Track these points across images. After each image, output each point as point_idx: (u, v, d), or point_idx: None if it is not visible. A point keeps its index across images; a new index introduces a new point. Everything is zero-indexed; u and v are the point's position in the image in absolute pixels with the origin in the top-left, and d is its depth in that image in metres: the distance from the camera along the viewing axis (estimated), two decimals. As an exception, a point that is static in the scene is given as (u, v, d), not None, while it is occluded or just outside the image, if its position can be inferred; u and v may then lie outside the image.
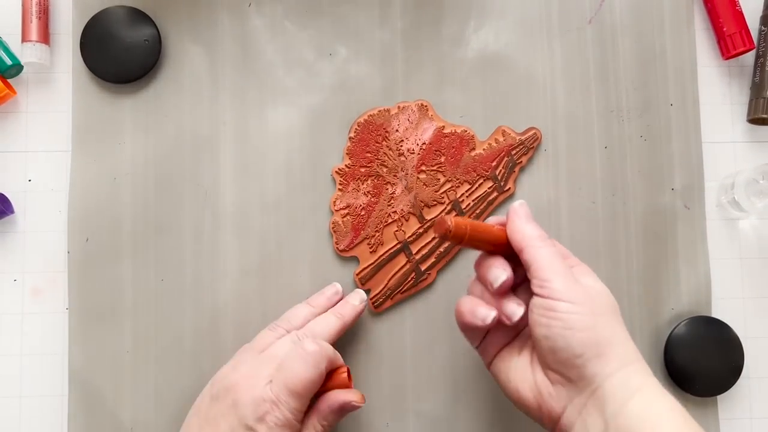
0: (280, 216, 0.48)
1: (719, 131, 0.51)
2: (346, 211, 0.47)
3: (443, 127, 0.48)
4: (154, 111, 0.49)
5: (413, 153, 0.47)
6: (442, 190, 0.47)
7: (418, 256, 0.47)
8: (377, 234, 0.47)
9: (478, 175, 0.48)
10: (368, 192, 0.47)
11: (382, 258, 0.47)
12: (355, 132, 0.48)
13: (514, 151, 0.48)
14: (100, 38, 0.48)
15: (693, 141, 0.50)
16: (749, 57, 0.51)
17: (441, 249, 0.47)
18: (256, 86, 0.49)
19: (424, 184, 0.47)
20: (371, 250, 0.47)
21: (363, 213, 0.47)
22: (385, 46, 0.50)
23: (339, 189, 0.47)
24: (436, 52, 0.50)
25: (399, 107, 0.48)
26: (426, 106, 0.48)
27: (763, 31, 0.50)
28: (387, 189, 0.47)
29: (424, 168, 0.47)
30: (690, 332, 0.47)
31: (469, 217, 0.47)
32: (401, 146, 0.47)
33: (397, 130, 0.48)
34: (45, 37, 0.48)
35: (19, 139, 0.49)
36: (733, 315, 0.49)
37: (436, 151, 0.47)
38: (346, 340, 0.48)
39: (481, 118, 0.49)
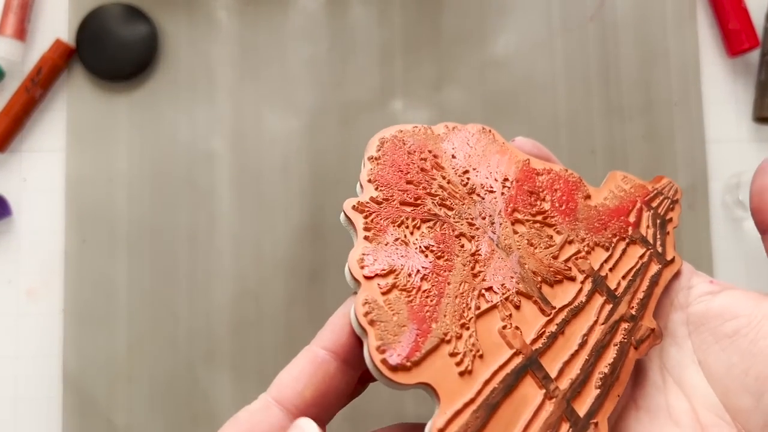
0: (277, 217, 0.48)
1: (724, 130, 0.50)
2: (391, 280, 0.23)
3: (528, 161, 0.29)
4: (150, 109, 0.48)
5: (492, 192, 0.27)
6: (564, 256, 0.27)
7: (562, 383, 0.24)
8: (465, 331, 0.23)
9: (613, 235, 0.29)
10: (428, 248, 0.24)
11: (488, 385, 0.22)
12: (379, 151, 0.26)
13: (655, 203, 0.31)
14: (96, 35, 0.48)
15: (696, 140, 0.49)
16: (755, 54, 0.50)
17: (600, 371, 0.25)
18: (253, 84, 0.49)
19: (529, 242, 0.27)
20: (461, 368, 0.22)
21: (428, 287, 0.23)
22: (384, 44, 0.49)
23: (366, 238, 0.23)
24: (435, 50, 0.49)
25: (447, 127, 0.28)
26: (491, 130, 0.29)
27: (769, 28, 0.49)
28: (461, 245, 0.25)
29: (519, 216, 0.27)
30: (694, 334, 0.46)
31: (630, 307, 0.27)
32: (468, 180, 0.27)
33: (454, 156, 0.28)
34: (20, 33, 0.48)
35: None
36: (738, 317, 0.48)
37: (530, 192, 0.28)
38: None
39: (481, 117, 0.49)
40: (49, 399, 0.47)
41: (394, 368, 0.21)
